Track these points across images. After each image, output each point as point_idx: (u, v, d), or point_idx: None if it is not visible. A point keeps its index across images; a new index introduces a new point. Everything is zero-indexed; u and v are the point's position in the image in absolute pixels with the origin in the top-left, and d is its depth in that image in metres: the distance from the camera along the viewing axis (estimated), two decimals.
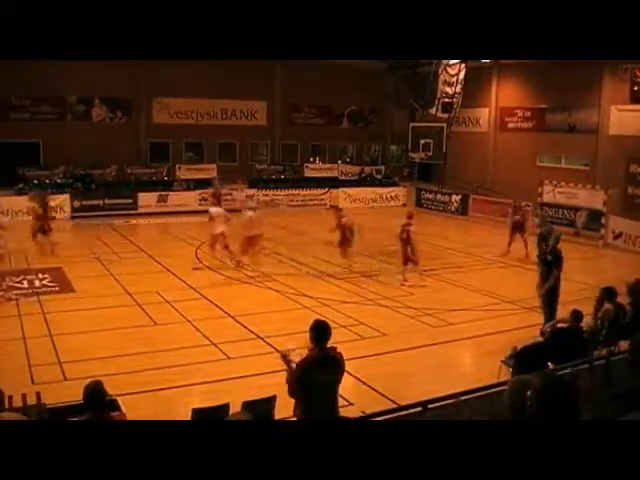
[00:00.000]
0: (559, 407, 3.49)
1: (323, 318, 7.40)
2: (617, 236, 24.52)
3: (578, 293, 15.78)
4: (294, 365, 6.85)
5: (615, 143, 28.29)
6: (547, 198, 27.89)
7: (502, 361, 10.29)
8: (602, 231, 25.04)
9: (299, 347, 7.27)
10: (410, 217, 17.66)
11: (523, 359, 9.12)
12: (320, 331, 6.85)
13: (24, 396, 7.76)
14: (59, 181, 30.23)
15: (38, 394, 7.95)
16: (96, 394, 5.55)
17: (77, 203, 28.78)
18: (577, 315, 10.31)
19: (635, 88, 26.54)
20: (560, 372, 7.33)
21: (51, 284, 16.87)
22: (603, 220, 25.13)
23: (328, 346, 6.90)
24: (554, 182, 27.93)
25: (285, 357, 7.05)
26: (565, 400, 3.52)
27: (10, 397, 7.17)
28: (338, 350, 7.07)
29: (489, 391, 7.33)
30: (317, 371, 6.73)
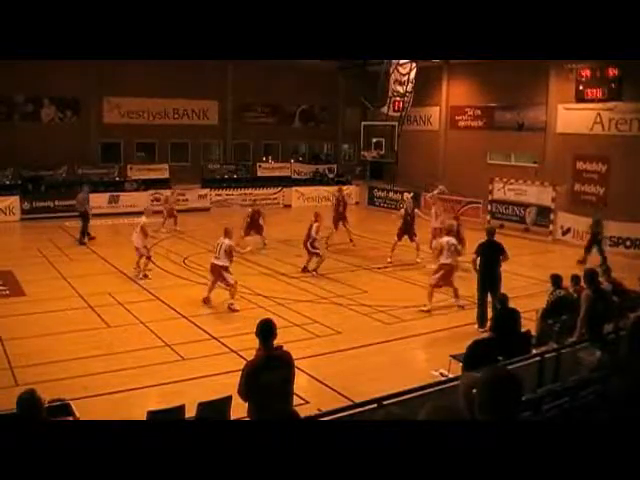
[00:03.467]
0: (500, 402, 3.55)
1: (278, 317, 7.42)
2: (565, 232, 25.00)
3: (527, 288, 16.07)
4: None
5: (562, 141, 28.83)
6: (497, 195, 28.31)
7: (451, 356, 10.44)
8: (551, 227, 25.50)
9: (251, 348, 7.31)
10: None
11: (473, 354, 9.24)
12: (265, 331, 6.86)
13: None
14: (8, 183, 29.63)
15: None
16: (30, 403, 5.18)
17: (27, 205, 28.27)
18: (503, 298, 10.79)
19: (580, 87, 27.11)
20: (510, 366, 7.46)
21: (1, 288, 16.57)
22: (552, 216, 25.61)
23: (275, 345, 6.92)
24: (504, 179, 28.36)
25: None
26: (506, 395, 3.58)
27: None
28: (285, 349, 7.09)
29: (443, 386, 7.45)
30: (264, 372, 6.72)
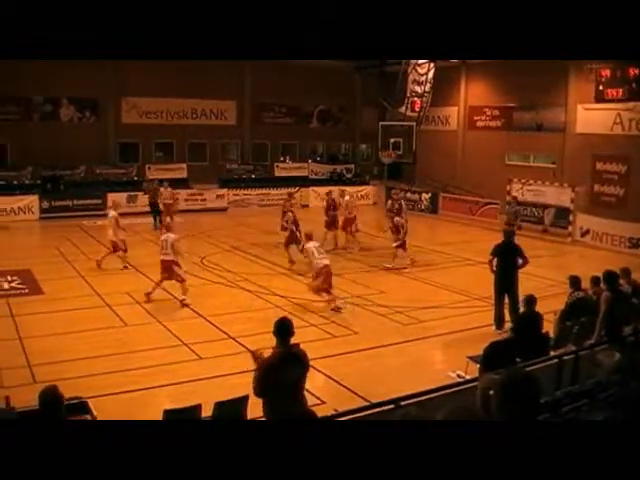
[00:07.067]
0: (518, 403, 3.53)
1: (294, 317, 7.43)
2: (584, 233, 24.84)
3: (545, 289, 15.96)
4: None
5: (582, 141, 28.62)
6: (516, 196, 28.15)
7: (468, 357, 10.38)
8: (570, 228, 25.36)
9: (267, 348, 7.33)
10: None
11: (491, 356, 9.19)
12: (283, 329, 6.90)
13: None
14: (27, 182, 29.90)
15: (7, 398, 7.87)
16: (51, 399, 5.28)
17: (46, 204, 28.53)
18: (531, 299, 10.66)
19: (600, 87, 26.89)
20: (527, 368, 7.41)
21: (20, 286, 16.69)
22: (571, 217, 25.46)
23: (291, 343, 6.95)
24: (522, 180, 28.21)
25: (256, 356, 7.07)
26: (524, 396, 3.56)
27: None
28: (300, 347, 7.10)
29: (460, 387, 7.42)
30: (281, 369, 6.75)
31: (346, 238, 22.36)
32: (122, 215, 27.20)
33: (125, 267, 18.78)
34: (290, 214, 20.00)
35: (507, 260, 13.85)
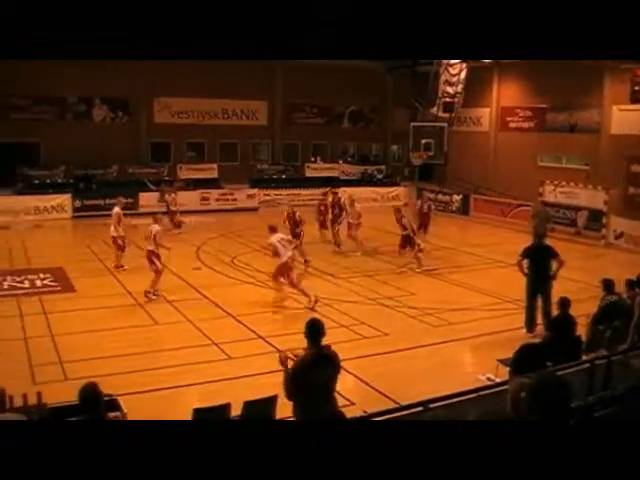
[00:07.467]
0: (549, 407, 3.50)
1: (324, 318, 7.41)
2: (618, 236, 24.52)
3: (577, 292, 15.77)
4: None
5: (616, 143, 28.21)
6: (548, 198, 27.87)
7: (498, 360, 10.29)
8: (603, 231, 25.04)
9: (297, 348, 7.32)
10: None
11: (522, 359, 9.09)
12: (314, 330, 6.89)
13: (25, 396, 7.76)
14: (60, 181, 30.24)
15: (39, 394, 7.95)
16: (92, 396, 5.45)
17: (78, 203, 28.84)
18: (564, 302, 10.53)
19: (635, 88, 26.49)
20: (559, 372, 7.33)
21: (52, 284, 16.91)
22: (604, 220, 25.14)
23: (322, 344, 6.94)
24: (555, 182, 27.92)
25: (283, 360, 7.06)
26: (555, 400, 3.52)
27: (11, 397, 7.18)
28: (332, 348, 7.09)
29: (489, 391, 7.35)
30: (313, 370, 6.74)
31: (333, 235, 22.86)
32: (153, 214, 27.57)
33: (121, 267, 18.69)
34: (298, 215, 20.20)
35: (539, 262, 13.71)
